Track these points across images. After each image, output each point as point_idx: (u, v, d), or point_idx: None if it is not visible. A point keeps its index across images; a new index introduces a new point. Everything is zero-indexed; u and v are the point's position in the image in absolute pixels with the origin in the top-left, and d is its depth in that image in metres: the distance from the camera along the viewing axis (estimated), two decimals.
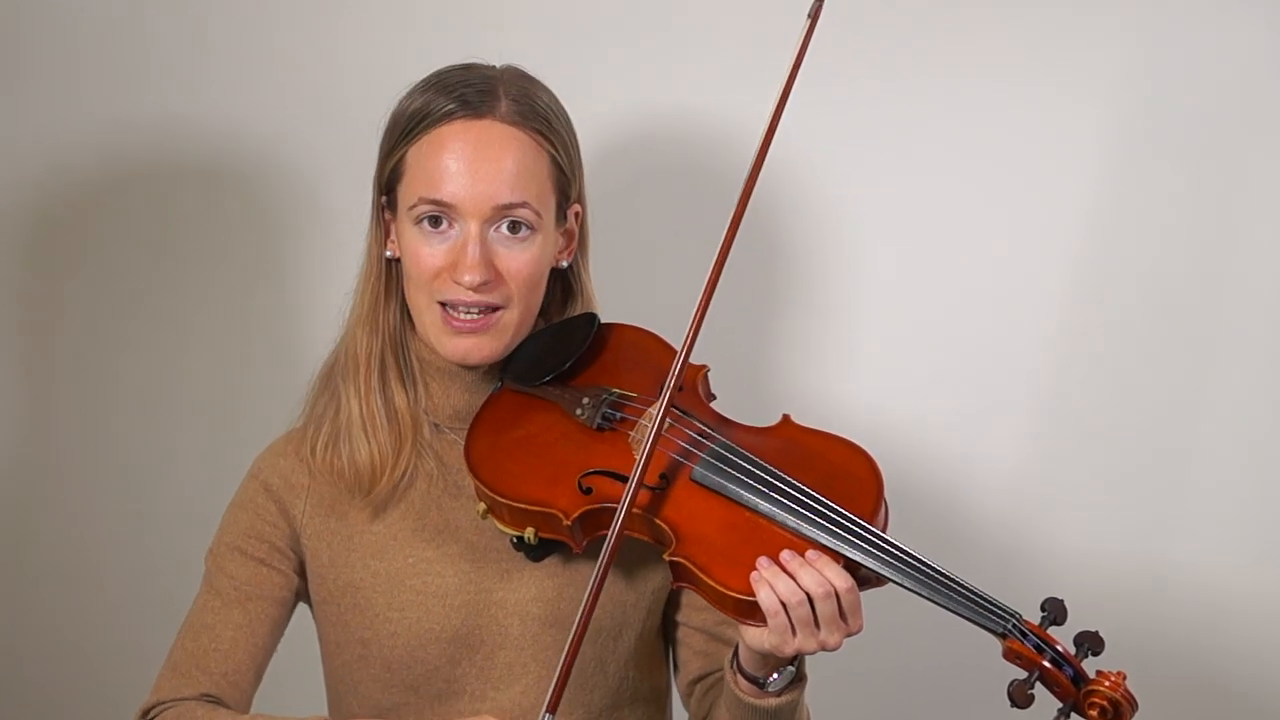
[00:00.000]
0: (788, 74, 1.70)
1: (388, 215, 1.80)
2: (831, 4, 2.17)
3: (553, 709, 1.57)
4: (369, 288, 1.81)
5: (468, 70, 1.77)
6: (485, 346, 1.75)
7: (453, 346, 1.75)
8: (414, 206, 1.74)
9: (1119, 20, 2.18)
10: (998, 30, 2.20)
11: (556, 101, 1.80)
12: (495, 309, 1.75)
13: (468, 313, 1.74)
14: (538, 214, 1.75)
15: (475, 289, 1.72)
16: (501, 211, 1.73)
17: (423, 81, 1.78)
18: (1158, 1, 2.17)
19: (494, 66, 1.79)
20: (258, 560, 1.80)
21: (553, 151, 1.77)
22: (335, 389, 1.81)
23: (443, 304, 1.74)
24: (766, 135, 1.70)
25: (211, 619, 1.79)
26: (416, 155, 1.74)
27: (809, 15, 1.73)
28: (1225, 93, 2.16)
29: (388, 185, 1.78)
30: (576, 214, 1.83)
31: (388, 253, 1.80)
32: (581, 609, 1.60)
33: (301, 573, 1.82)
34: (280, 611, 1.81)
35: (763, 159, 1.69)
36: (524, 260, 1.75)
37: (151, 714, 1.74)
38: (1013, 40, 2.19)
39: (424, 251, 1.74)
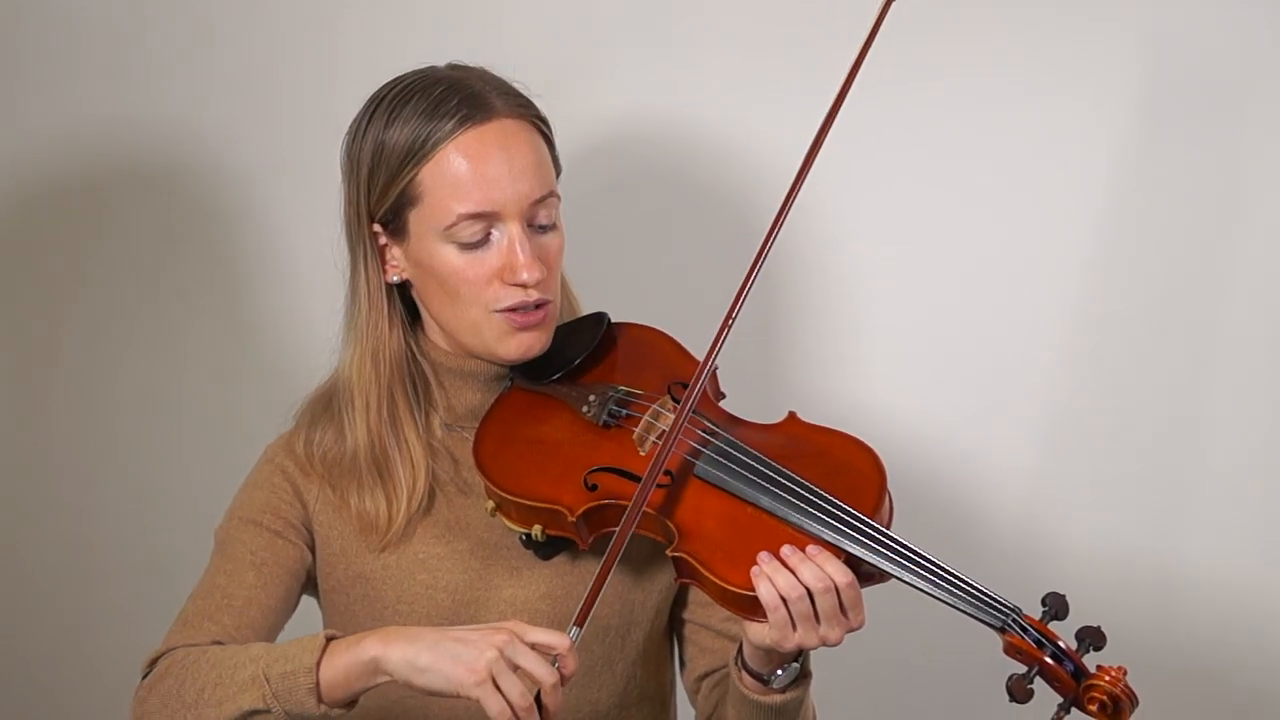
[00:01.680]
0: (850, 68, 1.74)
1: (384, 240, 1.78)
2: (835, 6, 2.19)
3: (580, 622, 1.57)
4: (371, 319, 1.79)
5: (433, 80, 1.76)
6: (542, 338, 1.77)
7: (516, 344, 1.75)
8: (452, 225, 1.72)
9: (1118, 24, 2.18)
10: (999, 31, 2.20)
11: None
12: (546, 302, 1.76)
13: (526, 309, 1.74)
14: (558, 198, 1.77)
15: (535, 285, 1.73)
16: (535, 207, 1.74)
17: (394, 102, 1.75)
18: (1160, 3, 2.18)
19: (442, 68, 1.79)
20: (274, 532, 1.79)
21: (549, 137, 1.79)
22: (337, 417, 1.81)
23: (503, 311, 1.74)
24: (816, 139, 1.72)
25: (224, 580, 1.76)
26: (435, 175, 1.72)
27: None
28: (1229, 93, 2.17)
29: (392, 213, 1.75)
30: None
31: (392, 278, 1.79)
32: (601, 564, 1.60)
33: (314, 552, 1.81)
34: (293, 582, 1.79)
35: (808, 168, 1.72)
36: (556, 248, 1.77)
37: (160, 661, 1.69)
38: (1013, 41, 2.20)
39: (465, 263, 1.73)
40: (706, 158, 2.26)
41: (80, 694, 2.43)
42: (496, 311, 1.74)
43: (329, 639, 1.59)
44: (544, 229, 1.76)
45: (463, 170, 1.71)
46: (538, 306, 1.75)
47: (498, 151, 1.72)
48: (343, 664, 1.56)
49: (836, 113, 1.74)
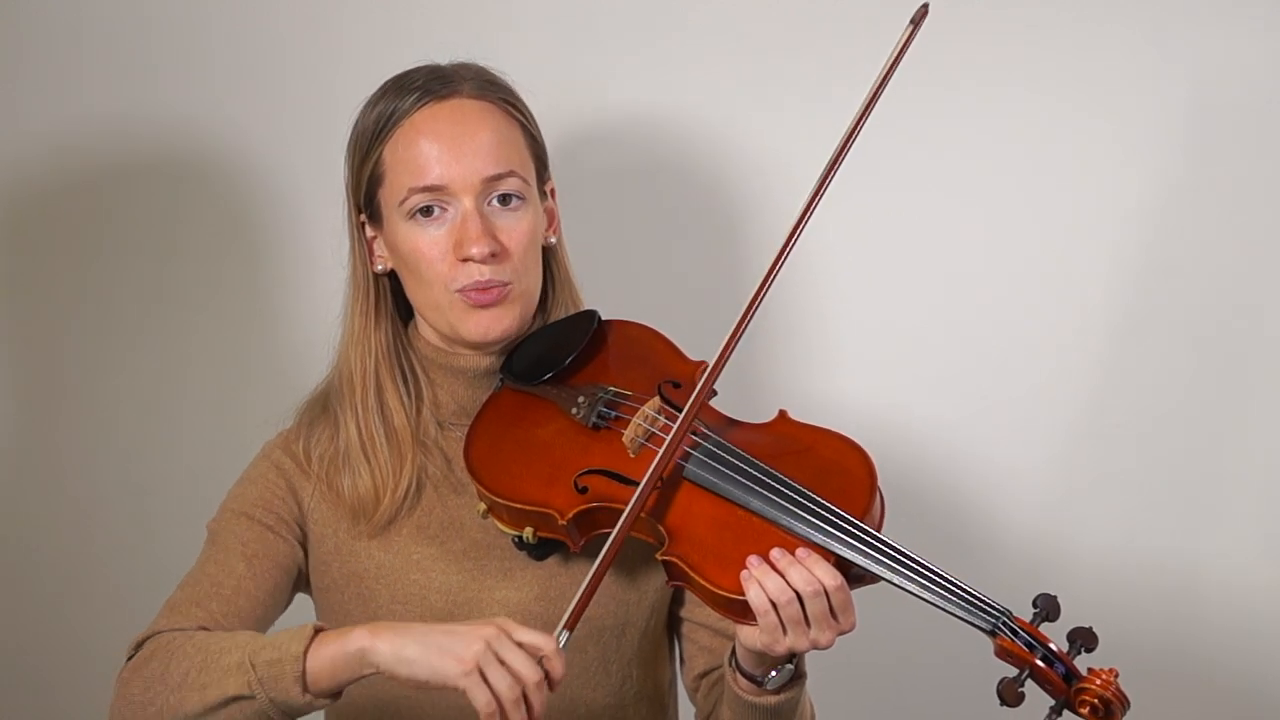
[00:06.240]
0: (880, 78, 1.72)
1: (370, 231, 1.81)
2: (854, 9, 2.16)
3: (570, 626, 1.57)
4: (358, 308, 1.82)
5: (418, 69, 1.79)
6: (504, 318, 1.76)
7: (475, 324, 1.76)
8: (404, 200, 1.74)
9: (1142, 34, 2.17)
10: (1010, 33, 2.19)
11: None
12: (505, 283, 1.75)
13: (481, 287, 1.74)
14: (525, 182, 1.77)
15: (485, 261, 1.73)
16: (490, 184, 1.74)
17: (375, 93, 1.80)
18: (1178, 7, 2.16)
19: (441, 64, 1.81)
20: (265, 526, 1.79)
21: (523, 121, 1.79)
22: (333, 414, 1.82)
23: (460, 290, 1.75)
24: (837, 153, 1.71)
25: (213, 569, 1.76)
26: (393, 152, 1.75)
27: (911, 21, 1.74)
28: (1243, 98, 2.16)
29: (367, 196, 1.79)
30: (552, 191, 1.85)
31: (377, 267, 1.81)
32: (594, 567, 1.59)
33: (306, 550, 1.82)
34: (283, 577, 1.79)
35: (826, 182, 1.71)
36: (521, 230, 1.76)
37: (145, 644, 1.70)
38: (1024, 43, 2.19)
39: (424, 242, 1.75)
40: (707, 158, 2.25)
41: (80, 692, 2.43)
42: (456, 291, 1.75)
43: (317, 630, 1.59)
44: (508, 209, 1.75)
45: (415, 145, 1.74)
46: (498, 285, 1.74)
47: (450, 127, 1.73)
48: (329, 654, 1.56)
49: (857, 132, 1.72)
